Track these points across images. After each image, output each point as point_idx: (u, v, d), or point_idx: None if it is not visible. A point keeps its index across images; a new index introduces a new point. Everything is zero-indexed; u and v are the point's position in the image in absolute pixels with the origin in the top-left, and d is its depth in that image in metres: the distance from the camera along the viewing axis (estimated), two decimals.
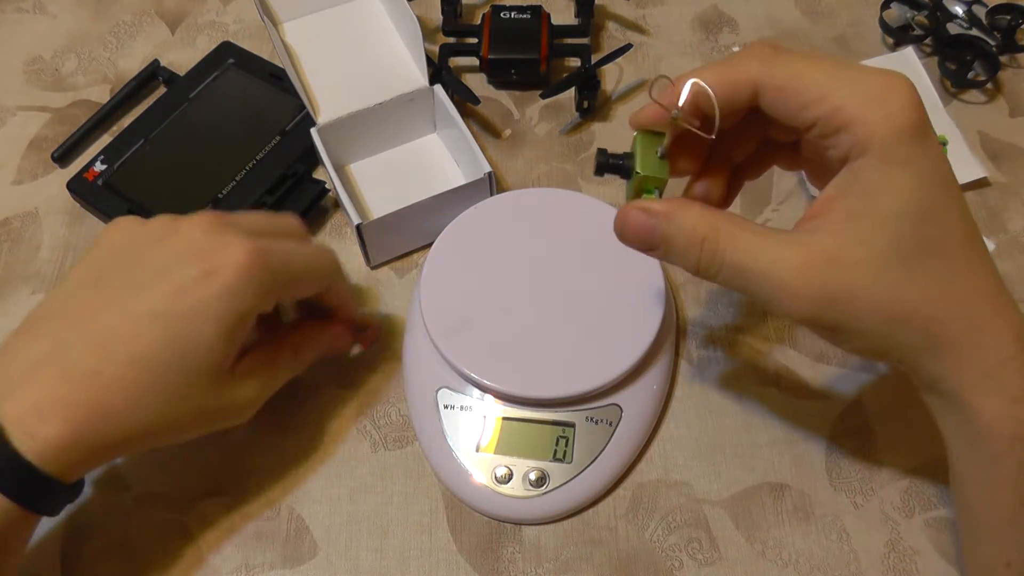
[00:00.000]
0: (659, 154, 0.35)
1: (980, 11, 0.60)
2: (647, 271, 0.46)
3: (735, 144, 0.38)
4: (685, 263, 0.34)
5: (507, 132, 0.58)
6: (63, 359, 0.35)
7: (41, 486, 0.34)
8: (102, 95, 0.60)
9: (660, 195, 0.36)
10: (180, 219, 0.39)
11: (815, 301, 0.32)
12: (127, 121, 0.58)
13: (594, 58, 0.57)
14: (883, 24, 0.61)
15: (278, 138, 0.54)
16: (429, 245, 0.48)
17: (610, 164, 0.37)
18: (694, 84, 0.33)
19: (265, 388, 0.41)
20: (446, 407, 0.44)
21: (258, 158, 0.54)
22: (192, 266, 0.36)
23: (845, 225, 0.32)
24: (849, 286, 0.32)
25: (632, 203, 0.35)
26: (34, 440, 0.34)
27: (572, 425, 0.44)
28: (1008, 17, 0.60)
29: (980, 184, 0.54)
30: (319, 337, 0.44)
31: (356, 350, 0.49)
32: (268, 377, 0.41)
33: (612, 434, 0.44)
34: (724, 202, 0.39)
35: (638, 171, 0.35)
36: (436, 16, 0.62)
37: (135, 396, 0.35)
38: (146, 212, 0.52)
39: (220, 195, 0.52)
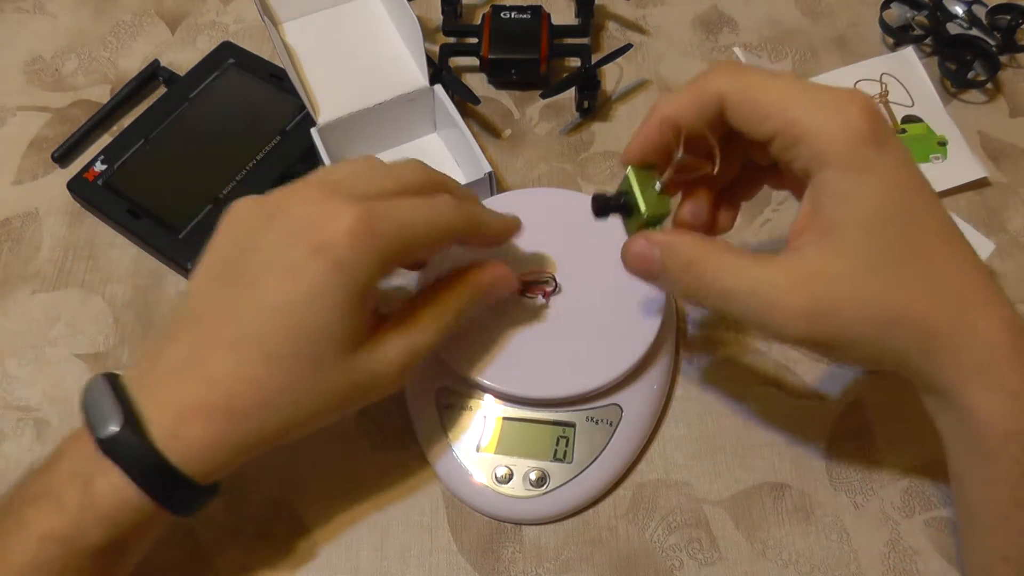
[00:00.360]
0: (657, 189, 0.37)
1: (980, 11, 0.60)
2: None
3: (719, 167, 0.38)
4: (678, 289, 0.36)
5: (507, 132, 0.58)
6: (200, 363, 0.34)
7: (182, 487, 0.34)
8: (102, 95, 0.60)
9: (660, 227, 0.38)
10: (290, 192, 0.37)
11: (805, 317, 0.33)
12: (127, 121, 0.58)
13: (594, 58, 0.57)
14: (883, 24, 0.61)
15: (278, 138, 0.55)
16: None
17: (611, 206, 0.38)
18: (663, 120, 0.35)
19: (410, 351, 0.37)
20: (446, 407, 0.44)
21: (258, 158, 0.54)
22: (300, 246, 0.34)
23: (823, 238, 0.33)
24: (836, 297, 0.33)
25: (638, 233, 0.37)
26: (178, 442, 0.33)
27: (572, 425, 0.44)
28: (1008, 17, 0.60)
29: (980, 184, 0.54)
30: (463, 283, 0.40)
31: (540, 301, 0.45)
32: (411, 338, 0.38)
33: (612, 434, 0.44)
34: (714, 225, 0.40)
35: (643, 212, 0.37)
36: (436, 16, 0.62)
37: (270, 394, 0.34)
38: (146, 212, 0.52)
39: (220, 195, 0.52)
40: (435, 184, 0.39)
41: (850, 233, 0.33)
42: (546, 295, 0.45)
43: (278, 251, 0.35)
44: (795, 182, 0.37)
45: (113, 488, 0.33)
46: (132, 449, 0.33)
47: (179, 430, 0.34)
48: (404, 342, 0.37)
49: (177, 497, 0.34)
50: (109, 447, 0.33)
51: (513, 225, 0.42)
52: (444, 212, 0.38)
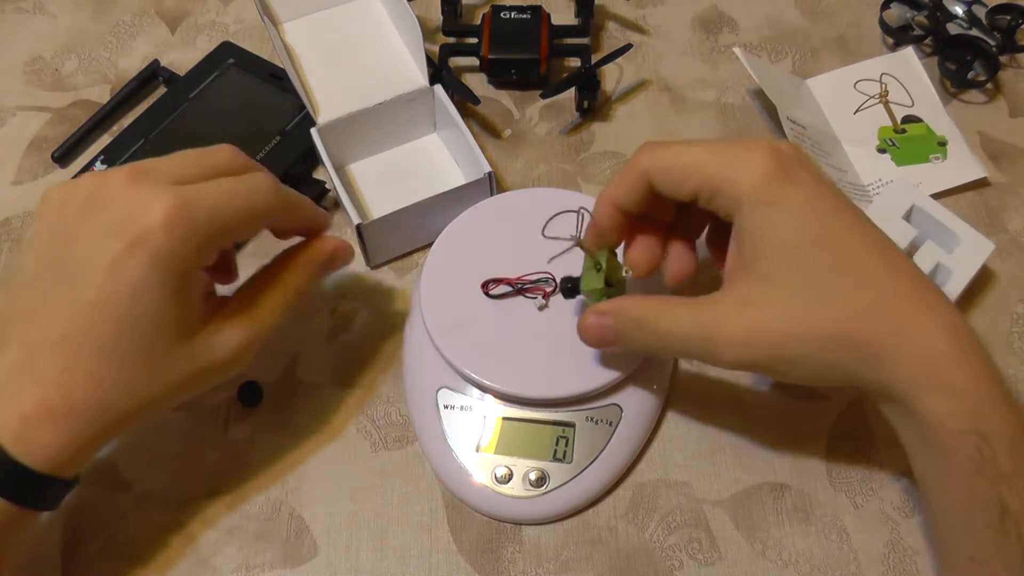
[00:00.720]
0: (597, 269, 0.41)
1: (980, 11, 0.60)
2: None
3: (657, 211, 0.41)
4: (636, 347, 0.39)
5: (507, 132, 0.58)
6: (33, 365, 0.35)
7: (40, 486, 0.35)
8: (102, 95, 0.60)
9: (603, 297, 0.41)
10: (101, 180, 0.36)
11: (740, 343, 0.36)
12: (127, 121, 0.58)
13: (594, 58, 0.57)
14: (883, 24, 0.61)
15: (278, 138, 0.55)
16: (429, 245, 0.49)
17: (571, 288, 0.43)
18: (608, 203, 0.40)
19: (252, 330, 0.38)
20: (446, 407, 0.44)
21: (258, 158, 0.54)
22: (116, 239, 0.34)
23: (747, 271, 0.36)
24: (764, 321, 0.35)
25: (588, 310, 0.40)
26: (27, 445, 0.34)
27: (572, 425, 0.44)
28: (1008, 17, 0.60)
29: (980, 184, 0.54)
30: (300, 259, 0.41)
31: (540, 301, 0.45)
32: (252, 318, 0.39)
33: (612, 434, 0.44)
34: (664, 261, 0.42)
35: (582, 288, 0.42)
36: (436, 16, 0.62)
37: (107, 387, 0.35)
38: None
39: None
40: (247, 166, 0.40)
41: (769, 261, 0.36)
42: (546, 295, 0.45)
43: (95, 245, 0.34)
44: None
45: None
46: None
47: (26, 433, 0.34)
48: (243, 325, 0.38)
49: (36, 496, 0.35)
50: None
51: (325, 218, 0.43)
52: (258, 190, 0.38)
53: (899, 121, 0.57)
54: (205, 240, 0.35)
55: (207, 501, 0.44)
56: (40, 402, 0.34)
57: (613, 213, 0.40)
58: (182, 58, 0.61)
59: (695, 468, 0.45)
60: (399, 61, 0.55)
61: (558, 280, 0.45)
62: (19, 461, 0.34)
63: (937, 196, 0.52)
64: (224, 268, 0.43)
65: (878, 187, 0.54)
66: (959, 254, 0.47)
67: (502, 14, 0.58)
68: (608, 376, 0.43)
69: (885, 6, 0.61)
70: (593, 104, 0.57)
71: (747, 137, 0.55)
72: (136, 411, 0.36)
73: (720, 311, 0.36)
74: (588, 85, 0.56)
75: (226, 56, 0.59)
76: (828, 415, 0.46)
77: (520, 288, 0.45)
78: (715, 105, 0.58)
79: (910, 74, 0.59)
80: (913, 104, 0.58)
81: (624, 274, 0.42)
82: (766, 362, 0.36)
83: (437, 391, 0.45)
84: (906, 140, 0.56)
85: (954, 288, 0.46)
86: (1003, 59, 0.59)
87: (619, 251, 0.42)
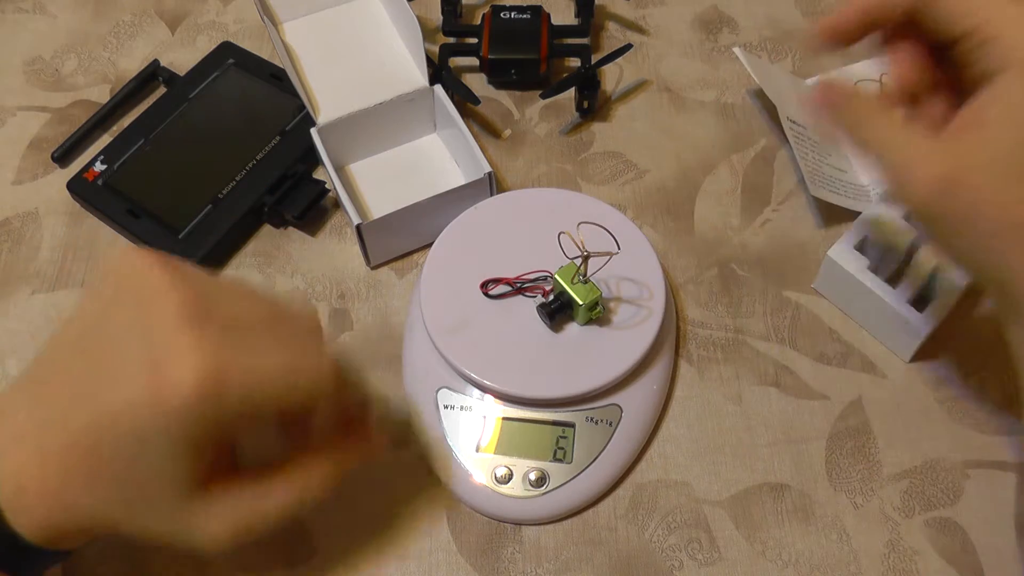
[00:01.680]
0: (581, 281, 0.43)
1: None
2: (647, 271, 0.46)
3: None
4: (843, 120, 0.37)
5: (507, 132, 0.58)
6: (40, 438, 0.33)
7: (29, 556, 0.34)
8: (102, 95, 0.60)
9: (600, 307, 0.43)
10: (170, 279, 0.32)
11: (936, 183, 0.33)
12: (127, 121, 0.58)
13: (594, 58, 0.57)
14: None
15: (278, 138, 0.55)
16: (429, 245, 0.49)
17: (555, 308, 0.44)
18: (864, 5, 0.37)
19: (239, 525, 0.34)
20: (446, 407, 0.44)
21: (258, 158, 0.54)
22: (143, 373, 0.31)
23: (979, 130, 0.33)
24: (974, 178, 0.33)
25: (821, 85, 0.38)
26: (16, 513, 0.33)
27: (572, 425, 0.44)
28: None
29: None
30: (339, 448, 0.37)
31: (540, 300, 0.45)
32: (244, 511, 0.34)
33: (612, 434, 0.44)
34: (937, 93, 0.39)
35: (580, 301, 0.42)
36: (436, 16, 0.62)
37: (98, 489, 0.33)
38: (146, 212, 0.52)
39: (220, 195, 0.52)
40: (317, 336, 0.36)
41: (1006, 134, 0.33)
42: (545, 294, 0.45)
43: (128, 359, 0.32)
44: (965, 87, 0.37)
45: None
46: None
47: (18, 501, 0.33)
48: (235, 515, 0.34)
49: (24, 565, 0.34)
50: None
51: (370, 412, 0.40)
52: (312, 378, 0.34)
53: None
54: (230, 418, 0.32)
55: None
56: (36, 475, 0.33)
57: (859, 15, 0.37)
58: (182, 58, 0.61)
59: (695, 468, 0.45)
60: (399, 61, 0.55)
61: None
62: (11, 526, 0.33)
63: None
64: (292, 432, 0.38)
65: (878, 187, 0.54)
66: None
67: (502, 14, 0.58)
68: (608, 376, 0.43)
69: None
70: (593, 104, 0.57)
71: None
72: (121, 525, 0.34)
73: (933, 147, 0.34)
74: (588, 85, 0.56)
75: (226, 56, 0.59)
76: (828, 415, 0.46)
77: (519, 287, 0.45)
78: (715, 105, 0.58)
79: None
80: None
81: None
82: (947, 214, 0.34)
83: (437, 391, 0.45)
84: None
85: (954, 288, 0.46)
86: None
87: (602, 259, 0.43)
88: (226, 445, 0.36)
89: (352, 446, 0.38)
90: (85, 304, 0.35)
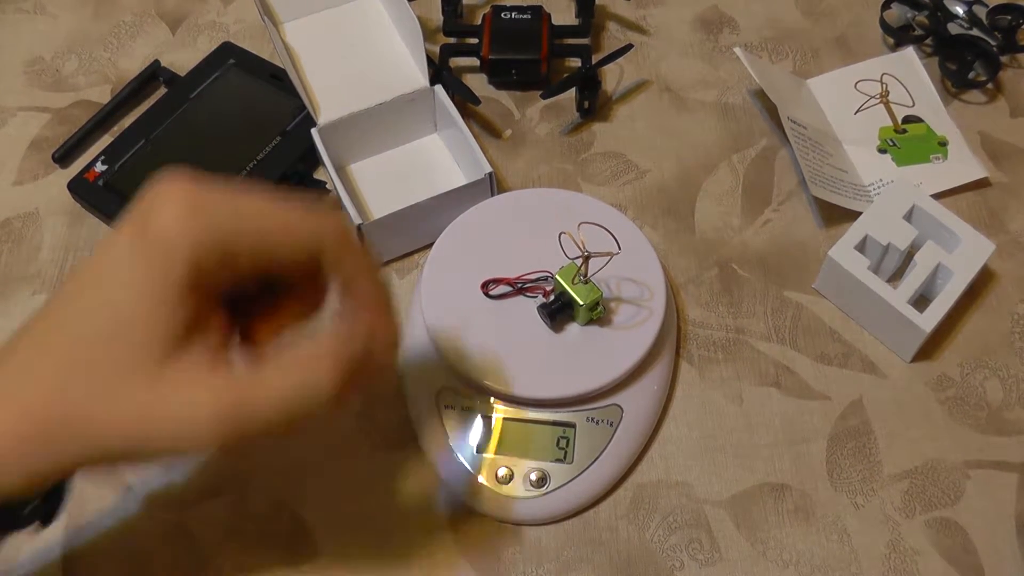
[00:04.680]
0: (582, 281, 0.43)
1: (981, 11, 0.60)
2: (647, 271, 0.46)
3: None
4: None
5: (507, 132, 0.58)
6: (10, 385, 0.29)
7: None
8: (103, 95, 0.60)
9: (601, 308, 0.44)
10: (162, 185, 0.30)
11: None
12: (128, 121, 0.58)
13: (594, 58, 0.57)
14: (883, 24, 0.61)
15: (278, 138, 0.55)
16: (429, 245, 0.48)
17: (556, 308, 0.44)
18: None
19: (223, 413, 0.29)
20: (446, 407, 0.44)
21: (259, 158, 0.54)
22: (124, 233, 0.29)
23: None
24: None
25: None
26: None
27: (573, 425, 0.44)
28: (1008, 17, 0.60)
29: (981, 184, 0.54)
30: (328, 347, 0.30)
31: (540, 300, 0.43)
32: (231, 398, 0.29)
33: (613, 434, 0.44)
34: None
35: (580, 302, 0.43)
36: (436, 16, 0.62)
37: (71, 412, 0.29)
38: None
39: None
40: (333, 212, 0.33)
41: None
42: (546, 295, 0.45)
43: (106, 244, 0.30)
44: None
45: None
46: None
47: None
48: (221, 394, 0.29)
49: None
50: None
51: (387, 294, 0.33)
52: (308, 216, 0.30)
53: (900, 121, 0.57)
54: (216, 241, 0.29)
55: (207, 501, 0.44)
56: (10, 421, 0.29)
57: None
58: (182, 58, 0.61)
59: (695, 468, 0.45)
60: (399, 61, 0.55)
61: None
62: None
63: (938, 196, 0.52)
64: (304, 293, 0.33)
65: (879, 187, 0.54)
66: (960, 254, 0.47)
67: (503, 14, 0.58)
68: (608, 376, 0.43)
69: (886, 6, 0.61)
70: (594, 104, 0.57)
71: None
72: (93, 457, 0.30)
73: None
74: (589, 85, 0.56)
75: (226, 56, 0.59)
76: (828, 415, 0.46)
77: (520, 288, 0.45)
78: (715, 105, 0.58)
79: (911, 74, 0.59)
80: (914, 104, 0.58)
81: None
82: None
83: (437, 391, 0.45)
84: (907, 140, 0.56)
85: (955, 288, 0.46)
86: (1004, 59, 0.59)
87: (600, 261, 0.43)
88: (213, 305, 0.30)
89: (370, 335, 0.31)
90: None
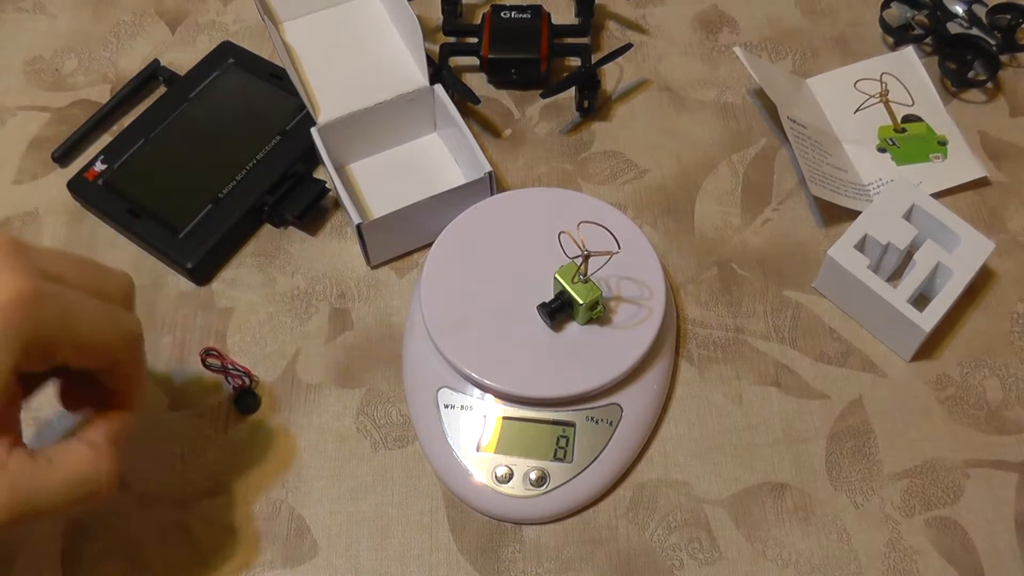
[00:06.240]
0: (582, 280, 0.43)
1: (980, 11, 0.60)
2: (647, 270, 0.46)
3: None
4: None
5: (507, 132, 0.58)
6: None
7: None
8: (102, 95, 0.60)
9: (601, 307, 0.44)
10: None
11: None
12: (127, 121, 0.58)
13: (594, 58, 0.57)
14: (883, 24, 0.61)
15: (278, 138, 0.54)
16: (429, 245, 0.49)
17: (556, 308, 0.44)
18: None
19: (15, 497, 0.32)
20: (446, 407, 0.44)
21: (258, 158, 0.54)
22: None
23: None
24: None
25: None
26: None
27: (572, 425, 0.44)
28: (1008, 17, 0.60)
29: (980, 183, 0.54)
30: (108, 432, 0.36)
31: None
32: (23, 482, 0.32)
33: (612, 434, 0.44)
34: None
35: (580, 301, 0.43)
36: (436, 16, 0.62)
37: None
38: (146, 212, 0.52)
39: (220, 195, 0.52)
40: (129, 303, 0.37)
41: None
42: (240, 385, 0.45)
43: None
44: None
45: None
46: None
47: None
48: (13, 479, 0.32)
49: None
50: None
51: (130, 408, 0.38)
52: (122, 325, 0.35)
53: (899, 120, 0.57)
54: (40, 342, 0.32)
55: (207, 501, 0.44)
56: None
57: None
58: (182, 58, 0.61)
59: (695, 468, 0.45)
60: (399, 61, 0.55)
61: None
62: None
63: (937, 195, 0.52)
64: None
65: (878, 186, 0.54)
66: (959, 253, 0.47)
67: (502, 13, 0.58)
68: (608, 375, 0.43)
69: (885, 5, 0.61)
70: (593, 104, 0.57)
71: None
72: None
73: None
74: (588, 85, 0.56)
75: (226, 56, 0.59)
76: (828, 415, 0.46)
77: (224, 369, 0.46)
78: (715, 105, 0.58)
79: (910, 73, 0.59)
80: (913, 103, 0.58)
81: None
82: None
83: (437, 391, 0.45)
84: (906, 139, 0.56)
85: (954, 287, 0.46)
86: (1003, 58, 0.59)
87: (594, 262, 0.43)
88: (16, 390, 0.33)
89: (121, 415, 0.37)
90: None
